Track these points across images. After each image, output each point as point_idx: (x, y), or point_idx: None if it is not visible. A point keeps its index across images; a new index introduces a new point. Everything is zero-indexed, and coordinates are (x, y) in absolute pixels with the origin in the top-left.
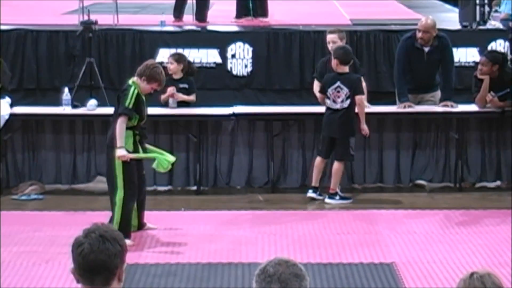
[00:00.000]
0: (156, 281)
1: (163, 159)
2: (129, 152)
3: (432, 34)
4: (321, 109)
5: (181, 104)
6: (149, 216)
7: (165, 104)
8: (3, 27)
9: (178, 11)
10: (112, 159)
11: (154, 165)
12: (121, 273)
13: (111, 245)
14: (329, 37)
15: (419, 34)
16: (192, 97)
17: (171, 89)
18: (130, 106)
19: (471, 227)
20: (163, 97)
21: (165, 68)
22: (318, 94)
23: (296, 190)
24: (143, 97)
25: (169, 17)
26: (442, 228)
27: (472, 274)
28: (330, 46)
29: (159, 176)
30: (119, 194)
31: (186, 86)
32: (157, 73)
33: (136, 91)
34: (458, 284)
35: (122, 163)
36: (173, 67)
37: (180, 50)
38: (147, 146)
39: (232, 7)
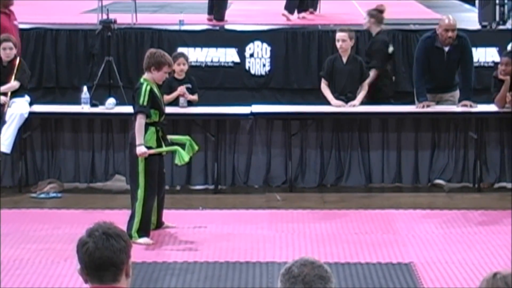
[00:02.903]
0: (174, 279)
1: (183, 153)
2: (152, 148)
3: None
4: (339, 108)
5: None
6: (167, 215)
7: (169, 105)
8: (23, 26)
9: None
10: (135, 157)
11: (176, 161)
12: (128, 268)
13: (115, 241)
14: (339, 35)
15: (448, 34)
16: (195, 97)
17: (181, 88)
18: (145, 103)
19: (490, 228)
20: (167, 97)
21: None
22: None
23: (314, 190)
24: (158, 92)
25: (188, 16)
26: (460, 228)
27: (495, 274)
28: (339, 45)
29: (177, 174)
30: (140, 192)
31: (189, 86)
32: (161, 57)
33: (148, 87)
34: (480, 284)
35: (144, 161)
36: (186, 67)
37: (198, 49)
38: (170, 136)
39: (250, 7)
